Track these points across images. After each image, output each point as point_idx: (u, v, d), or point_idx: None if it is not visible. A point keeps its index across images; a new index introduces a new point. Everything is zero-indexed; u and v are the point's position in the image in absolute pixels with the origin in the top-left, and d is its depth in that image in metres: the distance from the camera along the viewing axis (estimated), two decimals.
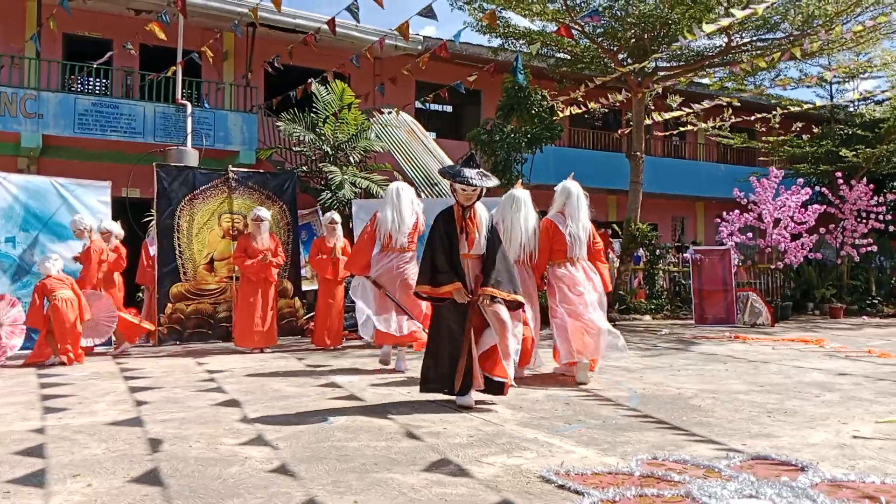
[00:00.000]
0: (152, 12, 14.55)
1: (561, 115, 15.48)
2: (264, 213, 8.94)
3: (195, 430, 4.24)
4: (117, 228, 8.90)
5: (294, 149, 14.65)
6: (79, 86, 16.18)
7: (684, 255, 15.50)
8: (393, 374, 6.64)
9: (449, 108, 22.26)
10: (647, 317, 14.40)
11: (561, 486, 3.14)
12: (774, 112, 16.79)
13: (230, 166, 10.40)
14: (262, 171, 11.51)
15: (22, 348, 7.86)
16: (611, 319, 13.25)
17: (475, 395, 5.03)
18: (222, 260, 9.67)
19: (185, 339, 9.37)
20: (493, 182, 5.14)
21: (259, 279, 8.68)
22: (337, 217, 9.24)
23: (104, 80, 16.21)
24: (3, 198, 8.63)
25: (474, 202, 5.11)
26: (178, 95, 14.66)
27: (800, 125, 19.38)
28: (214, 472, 3.38)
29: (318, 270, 9.18)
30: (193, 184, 9.65)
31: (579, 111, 16.06)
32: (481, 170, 5.16)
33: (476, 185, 5.00)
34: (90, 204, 9.22)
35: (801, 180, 15.52)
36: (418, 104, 16.95)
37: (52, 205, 8.92)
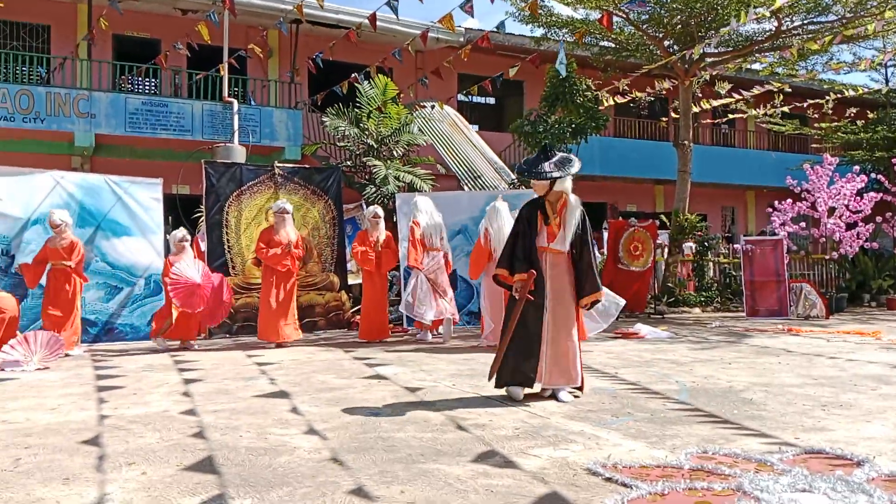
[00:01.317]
0: (199, 11, 14.82)
1: (606, 104, 15.28)
2: (287, 206, 8.78)
3: (245, 421, 4.32)
4: (67, 216, 8.10)
5: (338, 144, 14.77)
6: (129, 85, 16.57)
7: (735, 245, 15.19)
8: (436, 369, 6.66)
9: (491, 100, 22.18)
10: (697, 309, 14.15)
11: (608, 479, 3.11)
12: (827, 97, 16.32)
13: (276, 162, 10.54)
14: (307, 166, 11.65)
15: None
16: (659, 312, 13.16)
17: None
18: None
19: (235, 333, 9.53)
20: (572, 169, 5.01)
21: (283, 270, 8.43)
22: (380, 211, 9.24)
23: (153, 80, 16.57)
24: (59, 195, 8.89)
25: (552, 191, 5.00)
26: (225, 93, 14.91)
27: (854, 110, 18.79)
28: (264, 461, 3.44)
29: (361, 263, 9.14)
30: (241, 180, 9.80)
31: (624, 100, 15.84)
32: (560, 157, 5.06)
33: (547, 179, 4.92)
34: (142, 200, 9.44)
35: (856, 167, 15.05)
36: (460, 96, 16.92)
37: (106, 202, 9.16)
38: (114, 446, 3.75)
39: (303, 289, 9.69)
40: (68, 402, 5.02)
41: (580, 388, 5.10)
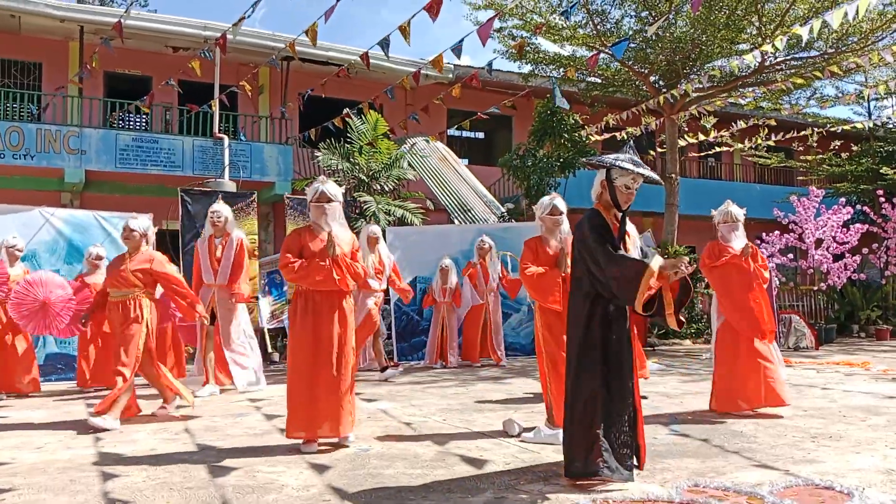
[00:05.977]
0: (189, 49, 14.96)
1: (592, 139, 15.46)
2: (334, 188, 4.88)
3: (233, 458, 4.28)
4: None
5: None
6: (120, 122, 16.63)
7: None
8: (427, 403, 6.63)
9: (480, 135, 22.38)
10: (688, 341, 14.17)
11: None
12: (812, 130, 16.56)
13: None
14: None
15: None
16: (650, 344, 13.15)
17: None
18: (249, 280, 9.67)
19: None
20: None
21: (329, 292, 4.68)
22: (560, 203, 5.23)
23: (144, 116, 16.65)
24: (48, 232, 8.87)
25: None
26: (216, 129, 14.99)
27: (838, 143, 19.06)
28: (252, 499, 3.40)
29: (537, 293, 4.90)
30: None
31: (610, 136, 16.03)
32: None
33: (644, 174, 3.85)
34: None
35: (842, 199, 15.23)
36: (450, 131, 17.07)
37: (95, 238, 9.12)
38: (100, 485, 3.70)
39: None
40: (55, 440, 4.96)
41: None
